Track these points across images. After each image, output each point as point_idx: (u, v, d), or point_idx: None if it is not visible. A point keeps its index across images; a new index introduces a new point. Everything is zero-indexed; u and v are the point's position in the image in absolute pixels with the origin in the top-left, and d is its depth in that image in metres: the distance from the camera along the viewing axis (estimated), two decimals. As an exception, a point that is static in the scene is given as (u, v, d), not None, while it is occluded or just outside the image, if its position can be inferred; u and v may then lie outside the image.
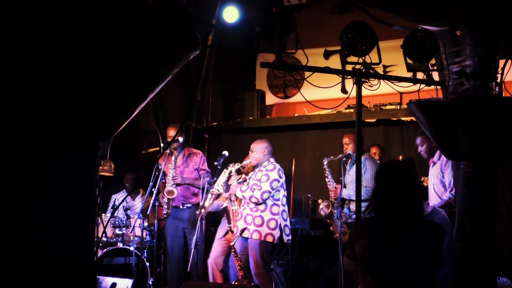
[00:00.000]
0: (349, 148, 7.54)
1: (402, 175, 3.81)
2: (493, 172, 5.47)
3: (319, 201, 7.69)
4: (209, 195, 7.40)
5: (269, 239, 7.05)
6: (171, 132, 8.03)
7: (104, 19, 3.24)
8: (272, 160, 7.37)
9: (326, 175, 7.66)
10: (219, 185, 7.44)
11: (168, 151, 7.99)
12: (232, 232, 7.26)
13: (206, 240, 7.78)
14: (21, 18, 3.09)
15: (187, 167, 8.12)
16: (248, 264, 7.22)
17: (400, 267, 3.64)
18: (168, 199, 7.87)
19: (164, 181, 8.13)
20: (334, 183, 7.62)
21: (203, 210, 7.38)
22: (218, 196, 7.72)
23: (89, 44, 3.21)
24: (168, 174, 7.97)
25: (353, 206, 7.38)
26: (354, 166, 7.31)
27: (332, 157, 7.70)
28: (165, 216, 8.02)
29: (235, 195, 7.34)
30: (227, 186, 7.44)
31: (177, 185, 7.93)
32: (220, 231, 7.75)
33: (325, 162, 7.67)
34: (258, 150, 7.37)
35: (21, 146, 3.25)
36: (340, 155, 7.64)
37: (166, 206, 7.93)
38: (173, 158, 7.95)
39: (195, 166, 8.13)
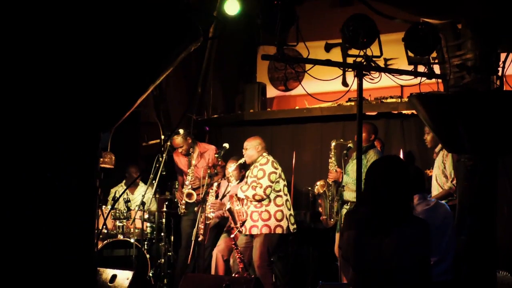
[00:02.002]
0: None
1: (386, 171, 3.81)
2: (494, 166, 5.47)
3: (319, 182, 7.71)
4: (207, 226, 7.53)
5: (279, 230, 7.13)
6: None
7: (105, 11, 3.23)
8: (265, 154, 7.40)
9: (330, 156, 7.65)
10: (209, 208, 7.56)
11: (183, 151, 8.11)
12: (240, 232, 7.25)
13: (208, 233, 7.81)
14: (22, 7, 3.08)
15: (203, 166, 8.19)
16: (250, 257, 7.24)
17: (379, 261, 3.64)
18: (187, 202, 8.04)
19: (164, 173, 8.17)
20: (337, 167, 7.61)
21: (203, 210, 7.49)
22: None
23: (90, 36, 3.21)
24: (187, 176, 8.07)
25: (345, 194, 7.37)
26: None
27: (341, 140, 7.71)
28: (182, 215, 8.16)
29: (236, 195, 7.35)
30: (219, 204, 7.57)
31: (195, 189, 8.06)
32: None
33: (333, 144, 7.67)
34: (252, 147, 7.41)
35: (20, 137, 3.25)
36: (350, 141, 7.61)
37: (184, 207, 8.06)
38: (193, 161, 8.06)
39: (209, 164, 8.19)
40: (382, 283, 3.64)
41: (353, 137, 7.42)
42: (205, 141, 10.15)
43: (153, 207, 8.58)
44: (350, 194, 7.25)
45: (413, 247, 3.65)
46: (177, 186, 8.71)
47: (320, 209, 7.63)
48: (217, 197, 7.85)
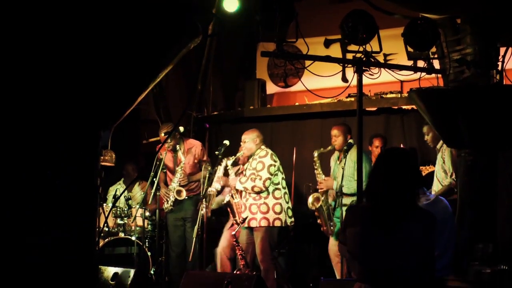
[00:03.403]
0: (337, 141, 7.48)
1: (392, 163, 3.79)
2: (494, 161, 5.47)
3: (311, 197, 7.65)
4: (209, 196, 7.46)
5: (277, 223, 7.12)
6: (163, 132, 8.09)
7: (104, 10, 3.23)
8: (263, 147, 7.40)
9: (315, 167, 7.61)
10: (216, 183, 7.49)
11: (169, 146, 8.02)
12: (238, 225, 7.25)
13: (208, 230, 7.79)
14: (22, 7, 3.08)
15: (189, 162, 8.14)
16: (254, 253, 7.24)
17: (385, 255, 3.64)
18: (176, 198, 7.94)
19: (165, 170, 8.14)
20: (323, 176, 7.58)
21: (204, 204, 7.43)
22: (218, 192, 7.75)
23: (90, 36, 3.21)
24: (176, 173, 7.99)
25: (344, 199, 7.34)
26: (346, 159, 7.31)
27: (322, 149, 7.66)
28: (167, 212, 8.06)
29: (235, 188, 7.34)
30: (225, 180, 7.49)
31: (183, 186, 8.00)
32: (229, 222, 7.79)
33: (315, 154, 7.62)
34: (250, 140, 7.39)
35: (21, 137, 3.25)
36: (330, 148, 7.59)
37: (171, 203, 7.97)
38: (182, 158, 7.99)
39: (196, 160, 8.15)
40: (388, 278, 3.64)
41: (354, 132, 7.41)
42: (205, 138, 10.15)
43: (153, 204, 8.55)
44: (347, 200, 7.24)
45: (418, 242, 3.63)
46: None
47: (318, 221, 7.56)
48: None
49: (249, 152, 7.41)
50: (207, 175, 7.56)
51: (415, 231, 3.64)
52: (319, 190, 7.53)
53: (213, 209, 7.81)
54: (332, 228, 7.38)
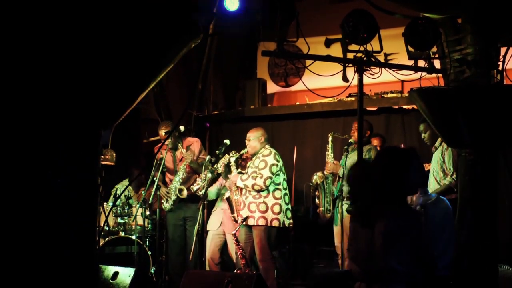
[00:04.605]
0: (356, 133, 7.52)
1: (381, 161, 3.83)
2: (495, 160, 5.47)
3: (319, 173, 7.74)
4: (207, 174, 7.45)
5: (275, 224, 7.12)
6: (163, 130, 8.06)
7: (104, 9, 3.23)
8: (267, 146, 7.41)
9: (327, 148, 7.69)
10: (219, 165, 7.47)
11: (169, 144, 8.00)
12: (236, 221, 7.27)
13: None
14: (22, 6, 3.08)
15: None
16: (253, 252, 7.25)
17: (371, 253, 3.65)
18: (178, 196, 7.92)
19: (165, 170, 8.12)
20: (334, 159, 7.65)
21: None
22: (215, 179, 7.74)
23: (90, 35, 3.21)
24: (178, 171, 7.97)
25: (345, 188, 7.35)
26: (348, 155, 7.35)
27: (338, 134, 7.76)
28: (167, 211, 8.05)
29: (235, 184, 7.35)
30: (227, 169, 7.47)
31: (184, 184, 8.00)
32: (213, 222, 7.78)
33: (330, 137, 7.71)
34: (255, 138, 7.40)
35: (21, 137, 3.25)
36: (346, 136, 7.66)
37: (171, 202, 7.94)
38: (187, 154, 7.96)
39: (195, 157, 8.14)
40: (382, 277, 3.65)
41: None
42: (206, 137, 10.16)
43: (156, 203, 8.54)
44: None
45: (402, 240, 3.64)
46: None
47: (317, 201, 7.65)
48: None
49: (253, 150, 7.42)
50: (208, 174, 7.55)
51: (406, 230, 3.65)
52: (325, 171, 7.61)
53: (209, 200, 7.82)
54: (328, 214, 7.44)
